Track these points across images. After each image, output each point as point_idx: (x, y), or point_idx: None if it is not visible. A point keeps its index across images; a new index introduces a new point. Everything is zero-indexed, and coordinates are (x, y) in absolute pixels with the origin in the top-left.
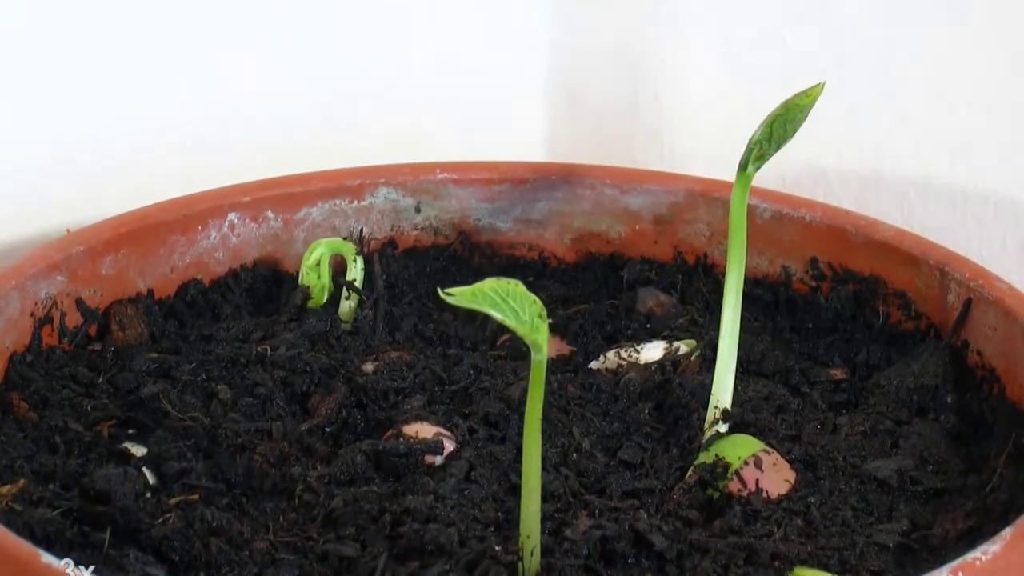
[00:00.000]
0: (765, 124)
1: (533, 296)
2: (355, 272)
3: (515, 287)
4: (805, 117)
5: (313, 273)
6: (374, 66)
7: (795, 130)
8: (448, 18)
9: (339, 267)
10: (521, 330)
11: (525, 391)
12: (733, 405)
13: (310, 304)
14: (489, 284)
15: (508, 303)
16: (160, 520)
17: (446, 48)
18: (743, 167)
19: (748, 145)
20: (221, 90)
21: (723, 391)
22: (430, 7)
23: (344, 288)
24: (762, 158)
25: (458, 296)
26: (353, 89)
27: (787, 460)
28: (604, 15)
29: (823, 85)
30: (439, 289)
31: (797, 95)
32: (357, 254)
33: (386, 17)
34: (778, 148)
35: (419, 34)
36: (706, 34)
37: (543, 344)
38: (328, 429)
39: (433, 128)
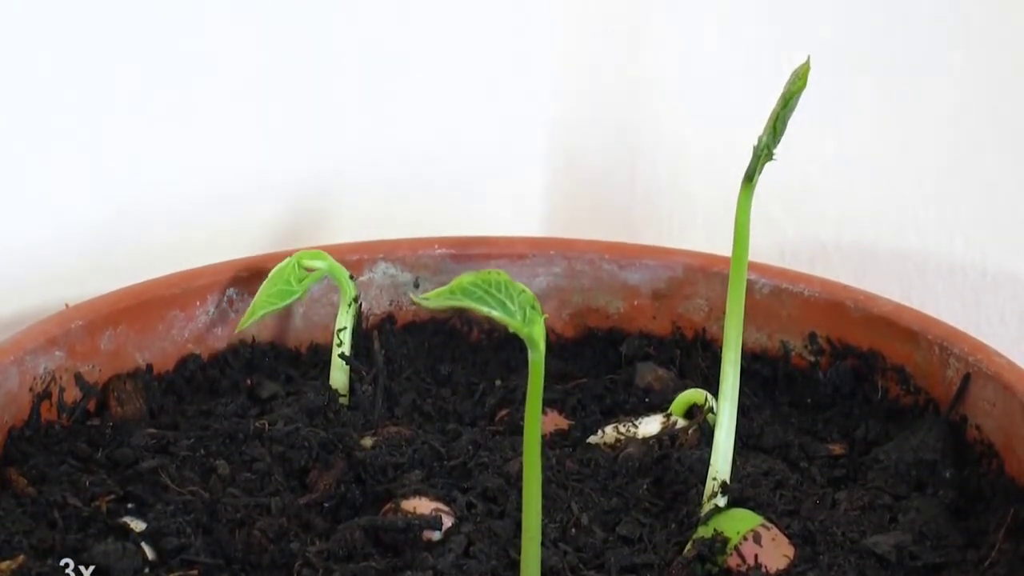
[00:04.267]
0: (768, 126)
1: (521, 285)
2: (346, 320)
3: (498, 276)
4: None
5: (295, 274)
6: (373, 140)
7: (791, 114)
8: (447, 89)
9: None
10: (513, 324)
11: (523, 467)
12: (732, 480)
13: (261, 306)
14: (468, 278)
15: (493, 295)
16: None
17: (445, 121)
18: (749, 177)
19: (755, 152)
20: (220, 165)
21: (723, 460)
22: (429, 76)
23: (339, 357)
24: (768, 159)
25: (434, 297)
26: (352, 163)
27: (786, 535)
28: (603, 87)
29: (809, 60)
30: (411, 295)
31: (791, 83)
32: (354, 300)
33: (385, 88)
34: (779, 141)
35: (418, 105)
36: (705, 107)
37: (539, 340)
38: (327, 504)
39: (432, 201)
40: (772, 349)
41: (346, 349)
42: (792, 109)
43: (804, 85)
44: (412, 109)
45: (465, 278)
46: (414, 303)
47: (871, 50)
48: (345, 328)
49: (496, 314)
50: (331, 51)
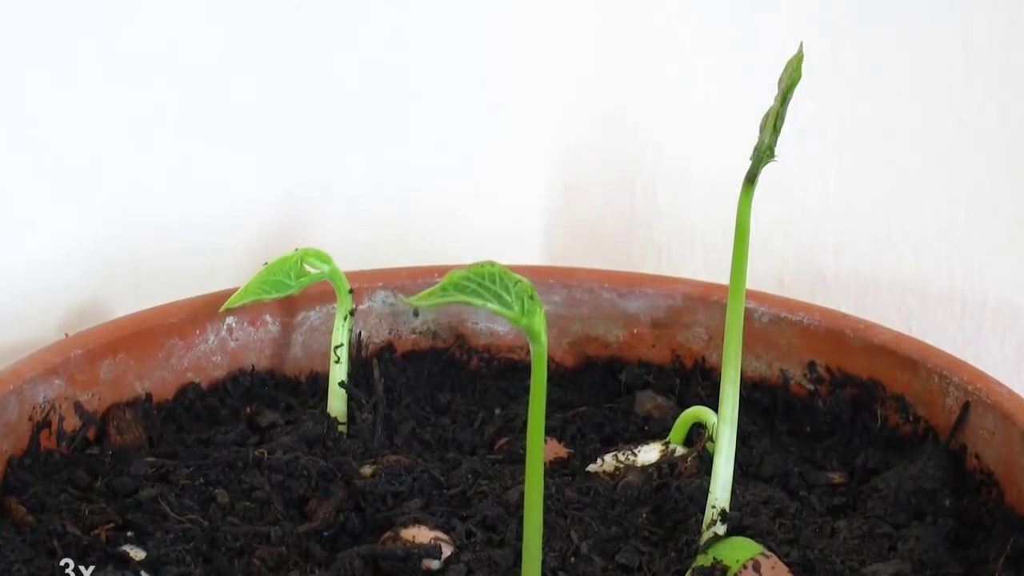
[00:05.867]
0: (769, 125)
1: (517, 276)
2: (343, 335)
3: (491, 267)
4: None
5: (295, 270)
6: (372, 169)
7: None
8: (448, 120)
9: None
10: (510, 315)
11: (523, 494)
12: (731, 508)
13: (253, 291)
14: (460, 273)
15: (488, 287)
16: None
17: (445, 151)
18: (751, 179)
19: (758, 154)
20: (219, 194)
21: (722, 488)
22: (428, 107)
23: (339, 386)
24: (771, 158)
25: (426, 296)
26: (351, 192)
27: (785, 563)
28: (603, 116)
29: (802, 47)
30: (401, 297)
31: (787, 76)
32: (350, 313)
33: (384, 119)
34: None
35: (418, 135)
36: (705, 138)
37: (540, 331)
38: (326, 533)
39: (431, 231)
40: (772, 377)
41: (343, 366)
42: (790, 101)
43: (800, 76)
44: (412, 140)
45: (457, 273)
46: (414, 332)
47: (871, 78)
48: (342, 344)
49: (493, 307)
50: (331, 81)
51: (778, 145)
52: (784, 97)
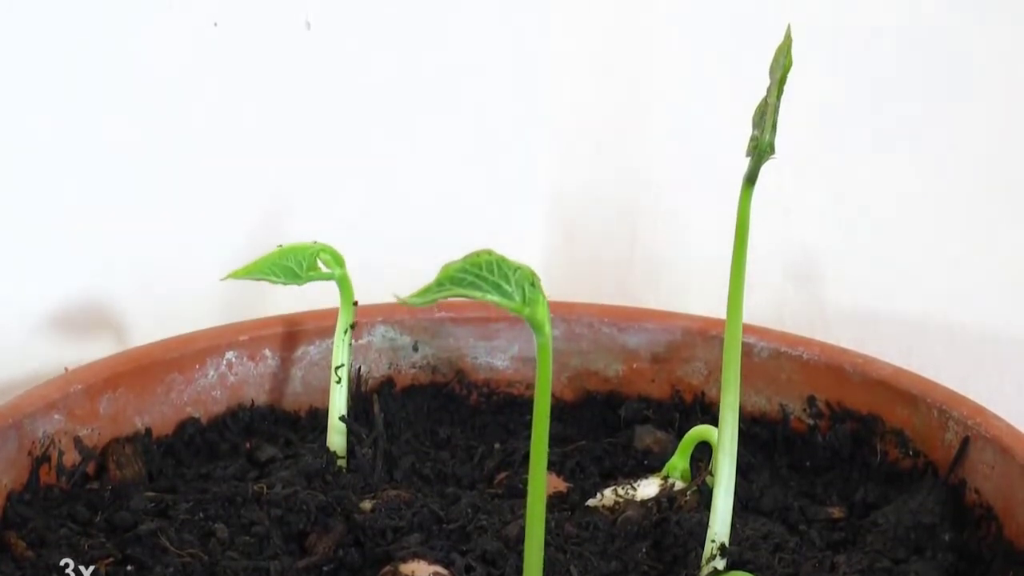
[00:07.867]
0: (768, 122)
1: (517, 263)
2: (342, 353)
3: (488, 256)
4: None
5: (308, 262)
6: (372, 209)
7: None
8: (447, 155)
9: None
10: (511, 307)
11: (523, 529)
12: (731, 543)
13: (259, 271)
14: (456, 265)
15: (486, 278)
16: None
17: (444, 185)
18: (751, 180)
19: (759, 151)
20: (217, 229)
21: (721, 522)
22: (428, 144)
23: (340, 420)
24: (771, 155)
25: (422, 293)
26: (351, 232)
27: None
28: (603, 152)
29: (790, 30)
30: (396, 296)
31: (780, 66)
32: (351, 326)
33: (385, 159)
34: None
35: (418, 170)
36: (705, 172)
37: (544, 321)
38: (325, 567)
39: (428, 266)
40: (771, 412)
41: (343, 393)
42: (782, 94)
43: (791, 63)
44: (409, 174)
45: (452, 266)
46: (414, 367)
47: (868, 111)
48: (343, 365)
49: (493, 298)
50: (330, 119)
51: (776, 166)
52: (778, 88)
